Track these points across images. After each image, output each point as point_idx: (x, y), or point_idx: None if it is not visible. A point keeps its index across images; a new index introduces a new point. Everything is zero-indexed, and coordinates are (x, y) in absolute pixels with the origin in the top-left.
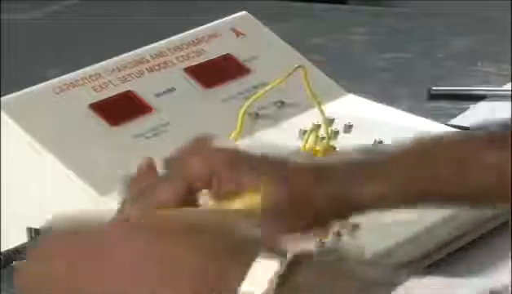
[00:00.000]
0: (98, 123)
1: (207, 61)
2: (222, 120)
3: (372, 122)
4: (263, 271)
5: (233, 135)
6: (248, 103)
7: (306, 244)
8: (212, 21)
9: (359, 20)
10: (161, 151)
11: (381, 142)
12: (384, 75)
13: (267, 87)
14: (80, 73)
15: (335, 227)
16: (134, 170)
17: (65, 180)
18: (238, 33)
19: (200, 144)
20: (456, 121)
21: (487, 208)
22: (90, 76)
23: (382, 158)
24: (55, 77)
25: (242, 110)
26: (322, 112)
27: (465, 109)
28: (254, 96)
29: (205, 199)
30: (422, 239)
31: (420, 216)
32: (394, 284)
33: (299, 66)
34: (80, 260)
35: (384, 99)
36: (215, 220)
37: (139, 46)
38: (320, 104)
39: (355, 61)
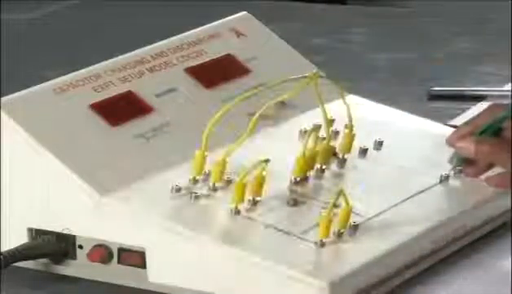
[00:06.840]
0: (98, 123)
1: (207, 61)
2: (222, 120)
3: (373, 123)
4: None
5: (241, 137)
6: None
7: None
8: (212, 21)
9: (359, 20)
10: (161, 151)
11: (381, 142)
12: (384, 75)
13: (284, 96)
14: (80, 73)
15: (335, 227)
16: (133, 170)
17: (65, 180)
18: (238, 34)
19: None
20: (456, 121)
21: None
22: (90, 76)
23: None
24: (54, 77)
25: (256, 116)
26: (325, 112)
27: (465, 109)
28: (269, 102)
29: None
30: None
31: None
32: None
33: (310, 75)
34: None
35: (384, 99)
36: None
37: (139, 46)
38: (322, 104)
39: (355, 61)
